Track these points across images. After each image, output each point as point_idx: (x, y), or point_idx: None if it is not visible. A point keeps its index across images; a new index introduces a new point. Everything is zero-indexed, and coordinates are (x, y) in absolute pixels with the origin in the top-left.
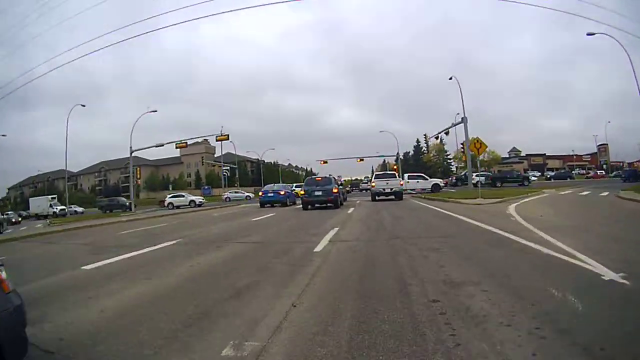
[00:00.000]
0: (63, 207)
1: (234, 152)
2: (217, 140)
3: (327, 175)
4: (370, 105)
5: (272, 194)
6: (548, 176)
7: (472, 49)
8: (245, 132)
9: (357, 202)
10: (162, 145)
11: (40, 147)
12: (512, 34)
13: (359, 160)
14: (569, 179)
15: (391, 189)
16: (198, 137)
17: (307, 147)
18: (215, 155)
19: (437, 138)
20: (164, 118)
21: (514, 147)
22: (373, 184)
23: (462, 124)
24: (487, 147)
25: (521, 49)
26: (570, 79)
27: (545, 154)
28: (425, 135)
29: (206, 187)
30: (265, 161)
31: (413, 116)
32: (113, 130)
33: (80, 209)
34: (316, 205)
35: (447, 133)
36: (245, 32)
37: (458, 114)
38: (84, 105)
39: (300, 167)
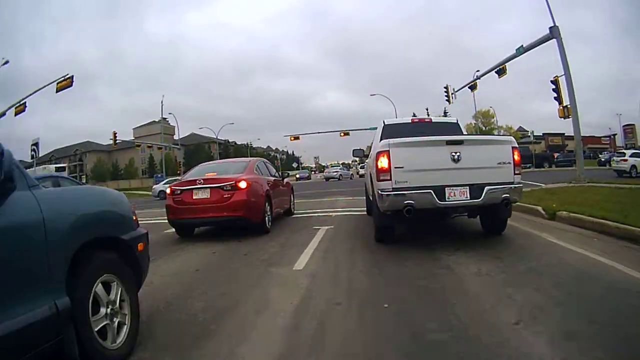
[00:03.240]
0: None
1: (199, 134)
2: (57, 91)
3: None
4: (358, 88)
5: None
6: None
7: (461, 31)
8: (232, 117)
9: (332, 215)
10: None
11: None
12: (501, 15)
13: (342, 134)
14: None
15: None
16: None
17: (295, 131)
18: (176, 138)
19: (472, 87)
20: (152, 105)
21: (521, 127)
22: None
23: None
24: None
25: (510, 31)
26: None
27: (564, 134)
28: (446, 87)
29: (159, 175)
30: (237, 143)
31: (401, 98)
32: (98, 116)
33: None
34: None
35: (472, 87)
36: (231, 16)
37: (478, 70)
38: (7, 62)
39: (282, 150)
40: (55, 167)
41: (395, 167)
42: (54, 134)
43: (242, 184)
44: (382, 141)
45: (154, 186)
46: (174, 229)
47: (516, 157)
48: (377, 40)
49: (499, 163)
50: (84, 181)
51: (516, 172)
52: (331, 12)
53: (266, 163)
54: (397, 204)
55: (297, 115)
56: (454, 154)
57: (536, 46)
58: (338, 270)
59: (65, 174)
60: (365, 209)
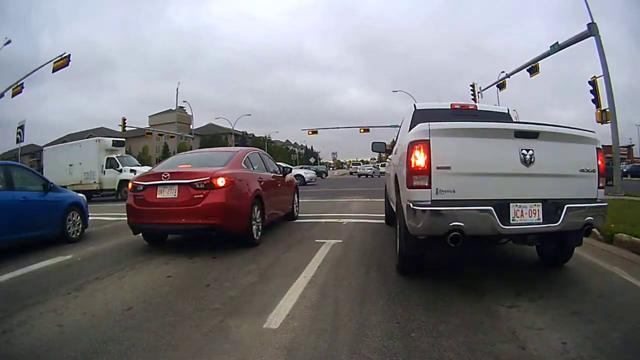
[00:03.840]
0: None
1: (217, 124)
2: (53, 71)
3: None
4: (379, 86)
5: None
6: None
7: (483, 33)
8: (252, 110)
9: (343, 222)
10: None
11: (39, 122)
12: (524, 17)
13: (362, 130)
14: None
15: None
16: None
17: (315, 127)
18: (192, 127)
19: (500, 86)
20: (172, 94)
21: None
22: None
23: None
24: None
25: (533, 35)
26: (577, 69)
27: None
28: (472, 85)
29: None
30: (255, 135)
31: (422, 98)
32: (116, 104)
33: None
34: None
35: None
36: (255, 9)
37: (503, 71)
38: (9, 41)
39: (300, 144)
40: (113, 142)
41: (439, 168)
42: (71, 119)
43: (220, 181)
44: (417, 126)
45: None
46: None
47: (601, 164)
48: (399, 39)
49: (582, 170)
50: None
51: (600, 184)
52: (355, 9)
53: (262, 155)
54: (438, 225)
55: (318, 110)
56: (524, 152)
57: (572, 44)
58: (337, 337)
59: (122, 151)
60: (384, 215)
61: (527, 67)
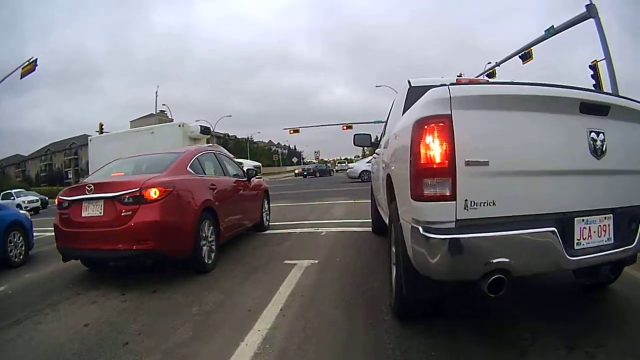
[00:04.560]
0: None
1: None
2: (21, 77)
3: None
4: (364, 84)
5: None
6: None
7: (470, 28)
8: (238, 112)
9: (321, 233)
10: None
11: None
12: (511, 13)
13: (344, 127)
14: None
15: None
16: None
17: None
18: None
19: (489, 75)
20: (161, 97)
21: None
22: None
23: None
24: None
25: (523, 30)
26: (566, 59)
27: None
28: (459, 76)
29: None
30: (237, 137)
31: None
32: (102, 110)
33: None
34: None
35: (490, 75)
36: (242, 9)
37: (489, 62)
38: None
39: (283, 144)
40: (201, 128)
41: (469, 164)
42: (58, 127)
43: (153, 193)
44: (428, 94)
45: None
46: None
47: None
48: (385, 36)
49: None
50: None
51: None
52: (340, 6)
53: (218, 155)
54: (469, 265)
55: (304, 110)
56: (594, 136)
57: (570, 26)
58: None
59: (204, 141)
60: (370, 220)
61: (520, 54)
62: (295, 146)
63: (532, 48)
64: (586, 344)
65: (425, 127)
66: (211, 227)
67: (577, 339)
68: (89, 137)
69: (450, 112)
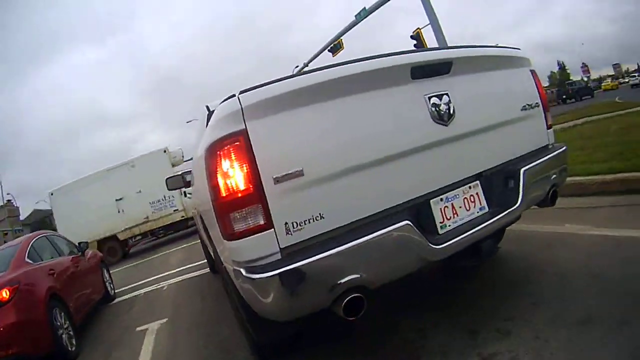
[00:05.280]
0: None
1: (41, 209)
2: None
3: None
4: (175, 121)
5: None
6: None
7: (277, 35)
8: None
9: (164, 287)
10: None
11: None
12: (314, 10)
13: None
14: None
15: None
16: None
17: None
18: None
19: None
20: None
21: None
22: None
23: None
24: None
25: (326, 24)
26: (384, 41)
27: None
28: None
29: None
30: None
31: None
32: None
33: None
34: None
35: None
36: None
37: (297, 66)
38: None
39: None
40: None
41: (278, 180)
42: None
43: (4, 293)
44: (216, 112)
45: None
46: None
47: (541, 92)
48: (190, 67)
49: (524, 108)
50: None
51: (548, 122)
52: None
53: (50, 237)
54: (314, 296)
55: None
56: (436, 101)
57: (385, 2)
58: None
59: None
60: (206, 260)
61: (329, 47)
62: None
63: (342, 38)
64: (493, 322)
65: (218, 152)
66: (62, 313)
67: (480, 320)
68: (49, 192)
69: (244, 127)
